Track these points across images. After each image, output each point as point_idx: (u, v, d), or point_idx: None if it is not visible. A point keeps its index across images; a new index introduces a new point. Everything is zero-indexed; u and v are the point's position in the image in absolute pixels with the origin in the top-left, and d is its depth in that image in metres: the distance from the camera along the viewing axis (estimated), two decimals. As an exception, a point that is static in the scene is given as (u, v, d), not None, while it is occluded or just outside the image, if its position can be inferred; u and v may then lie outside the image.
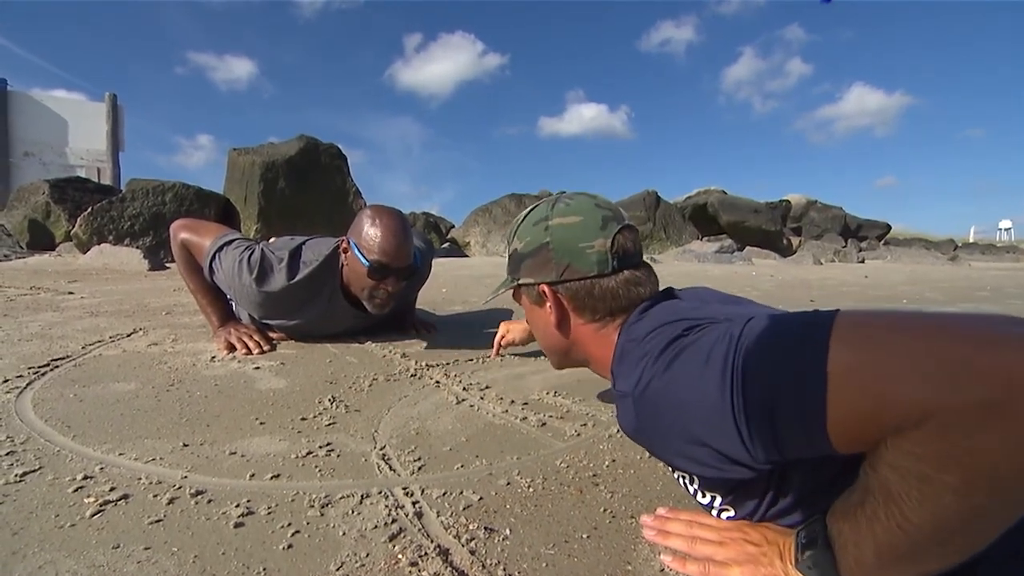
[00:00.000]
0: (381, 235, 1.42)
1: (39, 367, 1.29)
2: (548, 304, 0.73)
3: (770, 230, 11.88)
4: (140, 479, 0.76)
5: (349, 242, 1.47)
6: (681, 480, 0.70)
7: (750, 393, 0.46)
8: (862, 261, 10.80)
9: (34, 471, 0.78)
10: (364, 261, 1.42)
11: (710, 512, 0.65)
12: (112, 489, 0.73)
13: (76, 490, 0.72)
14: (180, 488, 0.74)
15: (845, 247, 12.49)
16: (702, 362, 0.50)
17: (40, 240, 6.07)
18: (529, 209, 0.78)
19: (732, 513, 0.62)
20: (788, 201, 15.10)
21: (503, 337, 1.44)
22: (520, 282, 0.77)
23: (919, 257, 11.89)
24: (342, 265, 1.54)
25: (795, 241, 12.98)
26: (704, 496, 0.65)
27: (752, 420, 0.46)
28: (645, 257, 0.76)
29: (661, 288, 0.75)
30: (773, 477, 0.57)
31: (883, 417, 0.40)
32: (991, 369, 0.36)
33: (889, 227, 17.44)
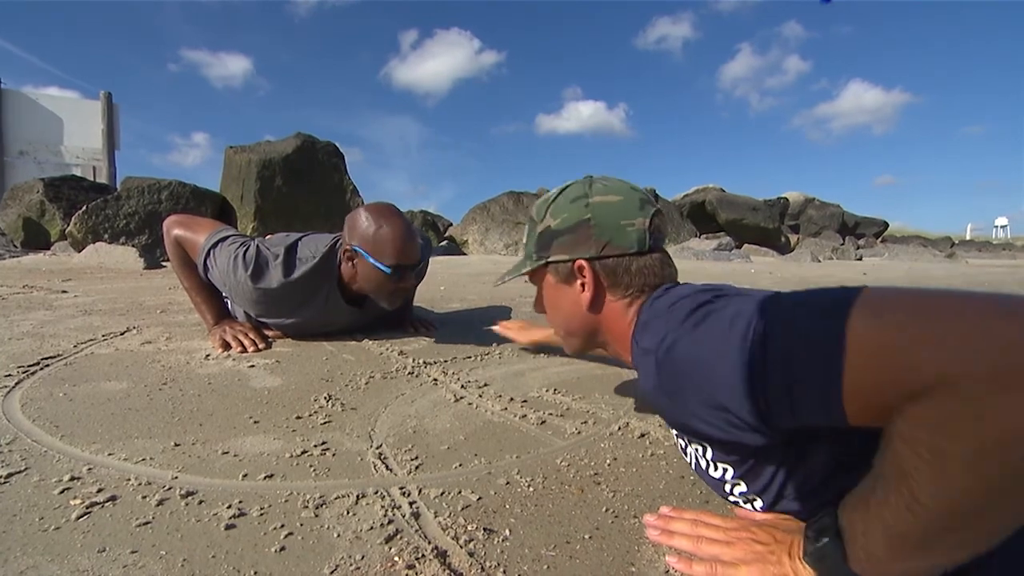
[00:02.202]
0: (395, 238, 1.40)
1: (29, 366, 1.27)
2: (580, 281, 0.74)
3: (768, 228, 11.88)
4: (129, 480, 0.74)
5: (356, 250, 1.44)
6: (694, 455, 0.68)
7: (770, 355, 0.46)
8: (860, 259, 10.81)
9: (19, 472, 0.75)
10: (384, 268, 1.41)
11: (722, 487, 0.64)
12: (99, 490, 0.71)
13: (62, 491, 0.70)
14: (170, 489, 0.72)
15: (843, 245, 12.50)
16: (726, 325, 0.51)
17: (35, 239, 6.03)
18: (559, 189, 0.78)
19: (744, 488, 0.61)
20: (786, 199, 15.10)
21: (509, 329, 1.56)
22: (551, 259, 0.76)
23: (916, 254, 11.91)
24: (339, 262, 1.52)
25: (793, 239, 12.99)
26: (716, 469, 0.64)
27: (770, 382, 0.47)
28: None
29: None
30: (788, 455, 0.55)
31: (899, 381, 0.39)
32: (1011, 338, 0.35)
33: (887, 224, 17.47)
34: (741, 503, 0.65)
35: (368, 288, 1.50)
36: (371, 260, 1.41)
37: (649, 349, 0.60)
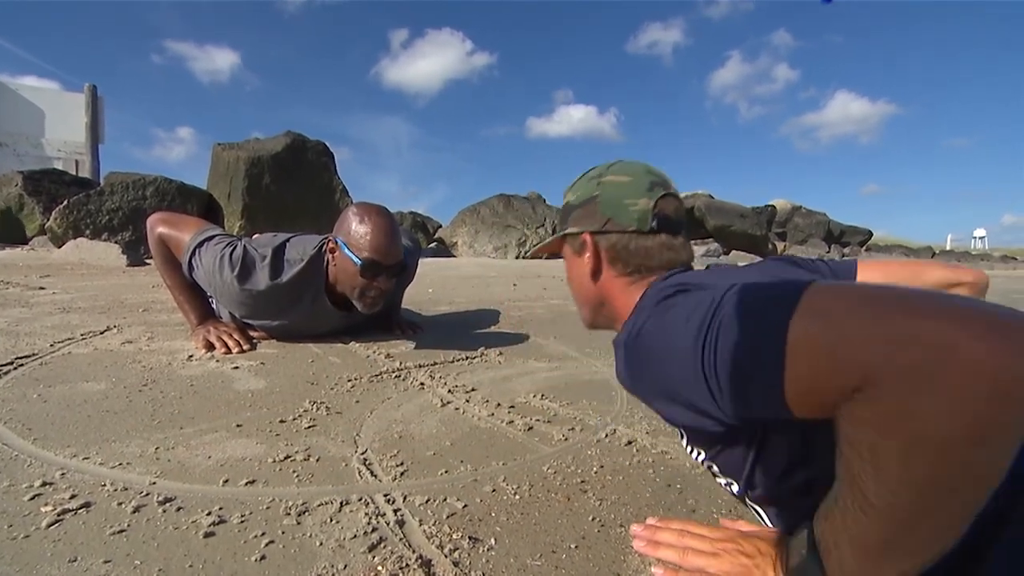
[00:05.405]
0: (372, 233, 1.39)
1: (1, 366, 1.23)
2: (587, 253, 0.77)
3: (756, 235, 12.03)
4: (104, 486, 0.72)
5: (337, 241, 1.43)
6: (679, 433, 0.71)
7: (720, 352, 0.48)
8: (844, 267, 10.97)
9: (-11, 477, 0.73)
10: (356, 260, 1.39)
11: (709, 469, 0.67)
12: (73, 497, 0.69)
13: (33, 498, 0.68)
14: (147, 495, 0.70)
15: (828, 253, 12.71)
16: (684, 318, 0.53)
17: (12, 234, 5.87)
18: (589, 168, 0.84)
19: (718, 470, 0.64)
20: (773, 206, 15.32)
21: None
22: (567, 231, 0.81)
23: (899, 263, 12.13)
24: (327, 265, 1.50)
25: (780, 246, 13.17)
26: (693, 451, 0.67)
27: (719, 377, 0.49)
28: None
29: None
30: (752, 442, 0.57)
31: (831, 380, 0.41)
32: (929, 337, 0.37)
33: (871, 234, 17.80)
34: (723, 484, 0.67)
35: (341, 283, 1.48)
36: (347, 251, 1.40)
37: (620, 341, 0.63)
